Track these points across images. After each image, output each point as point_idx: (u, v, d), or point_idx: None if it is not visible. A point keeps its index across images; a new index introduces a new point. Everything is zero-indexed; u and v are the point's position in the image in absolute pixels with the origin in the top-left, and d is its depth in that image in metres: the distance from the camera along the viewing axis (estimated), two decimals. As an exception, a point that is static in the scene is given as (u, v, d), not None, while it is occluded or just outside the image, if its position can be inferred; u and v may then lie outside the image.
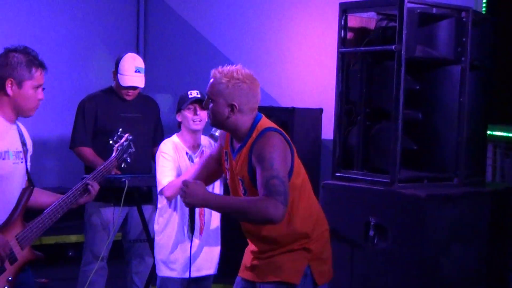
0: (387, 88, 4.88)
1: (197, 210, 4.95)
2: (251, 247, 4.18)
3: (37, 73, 4.04)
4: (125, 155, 4.72)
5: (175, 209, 4.94)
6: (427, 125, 5.01)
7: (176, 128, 5.11)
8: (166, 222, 4.95)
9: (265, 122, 3.99)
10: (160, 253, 5.00)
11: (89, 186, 4.27)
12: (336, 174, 5.21)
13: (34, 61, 4.04)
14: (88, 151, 5.92)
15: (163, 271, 4.98)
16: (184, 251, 4.92)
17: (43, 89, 4.08)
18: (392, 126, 4.83)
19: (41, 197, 4.26)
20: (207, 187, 3.99)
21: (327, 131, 6.06)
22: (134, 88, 5.95)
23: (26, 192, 4.09)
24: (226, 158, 4.08)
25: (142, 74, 5.96)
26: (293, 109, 6.50)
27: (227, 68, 3.90)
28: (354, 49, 5.22)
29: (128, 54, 6.06)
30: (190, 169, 4.85)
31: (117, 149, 4.70)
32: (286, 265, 3.99)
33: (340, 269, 4.81)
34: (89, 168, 5.88)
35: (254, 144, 3.85)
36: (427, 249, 4.72)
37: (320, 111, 6.67)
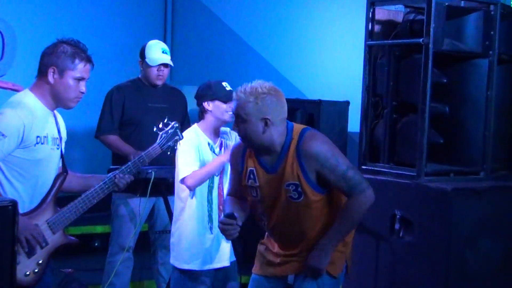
0: (414, 81, 4.87)
1: (216, 202, 4.96)
2: (275, 249, 4.14)
3: (80, 65, 4.08)
4: (170, 142, 4.62)
5: (193, 198, 4.94)
6: (454, 118, 5.00)
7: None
8: (186, 213, 4.95)
9: (298, 125, 4.00)
10: (179, 244, 5.00)
11: (116, 180, 4.28)
12: (363, 167, 5.21)
13: (80, 53, 4.10)
14: (114, 138, 5.94)
15: (181, 264, 4.98)
16: (203, 243, 4.92)
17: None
18: (419, 120, 4.82)
19: (73, 181, 4.30)
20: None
21: (354, 123, 6.04)
22: (165, 65, 5.97)
23: (60, 178, 4.17)
24: (252, 176, 4.02)
25: (169, 55, 5.99)
26: (320, 102, 6.48)
27: (249, 86, 3.88)
28: (381, 42, 5.21)
29: (152, 40, 6.11)
30: (213, 161, 4.85)
31: (161, 136, 4.61)
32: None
33: (366, 261, 4.81)
34: (116, 156, 5.91)
35: (300, 145, 3.85)
36: (453, 243, 4.71)
37: (347, 103, 6.66)
